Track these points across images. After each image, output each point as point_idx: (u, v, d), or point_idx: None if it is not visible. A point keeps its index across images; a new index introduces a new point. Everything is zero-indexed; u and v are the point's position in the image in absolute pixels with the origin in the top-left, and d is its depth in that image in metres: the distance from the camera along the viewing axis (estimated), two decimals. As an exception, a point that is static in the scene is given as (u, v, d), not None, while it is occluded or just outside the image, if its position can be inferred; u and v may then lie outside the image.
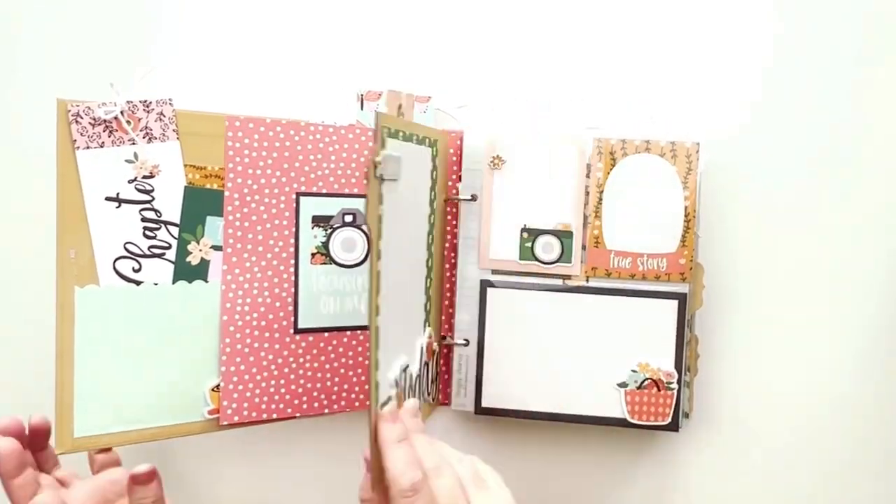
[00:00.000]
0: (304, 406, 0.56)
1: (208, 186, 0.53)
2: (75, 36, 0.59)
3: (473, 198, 0.58)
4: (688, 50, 0.60)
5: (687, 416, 0.59)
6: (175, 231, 0.53)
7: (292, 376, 0.56)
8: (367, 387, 0.57)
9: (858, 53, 0.59)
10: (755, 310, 0.61)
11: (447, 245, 0.60)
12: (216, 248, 0.54)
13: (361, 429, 0.61)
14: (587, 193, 0.58)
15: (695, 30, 0.60)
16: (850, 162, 0.60)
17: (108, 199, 0.51)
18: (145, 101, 0.51)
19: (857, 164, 0.60)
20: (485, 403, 0.58)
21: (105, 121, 0.50)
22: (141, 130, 0.51)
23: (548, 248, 0.58)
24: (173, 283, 0.53)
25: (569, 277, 0.58)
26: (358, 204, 0.57)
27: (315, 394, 0.57)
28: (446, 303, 0.60)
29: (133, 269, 0.52)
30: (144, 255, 0.52)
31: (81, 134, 0.49)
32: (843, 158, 0.60)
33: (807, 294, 0.60)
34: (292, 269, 0.56)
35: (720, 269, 0.60)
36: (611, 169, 0.57)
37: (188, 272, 0.53)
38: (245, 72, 0.60)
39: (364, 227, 0.57)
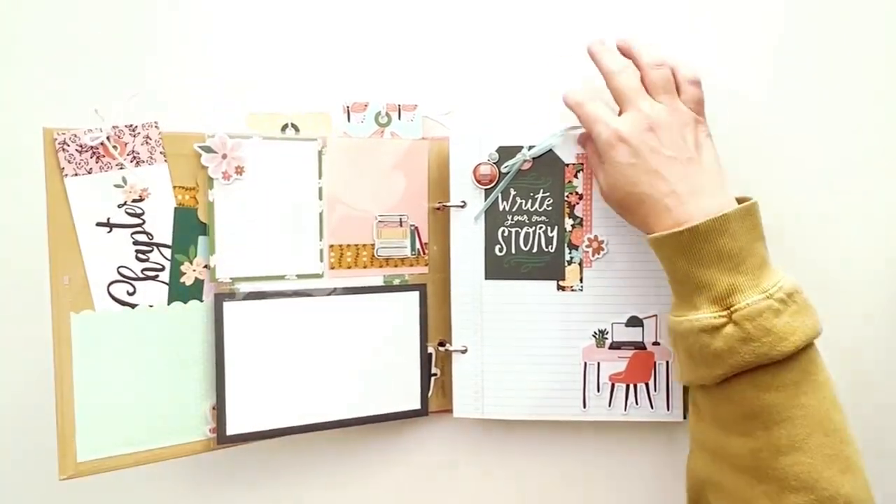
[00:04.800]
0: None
1: (198, 206, 0.54)
2: (57, 63, 0.60)
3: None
4: (673, 36, 0.60)
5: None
6: (167, 252, 0.53)
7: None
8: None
9: (857, 34, 0.59)
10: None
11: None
12: (209, 267, 0.54)
13: (358, 444, 0.61)
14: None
15: (683, 12, 0.60)
16: (848, 143, 0.59)
17: (98, 224, 0.51)
18: (131, 126, 0.51)
19: (855, 146, 0.59)
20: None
21: (92, 147, 0.50)
22: (128, 155, 0.51)
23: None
24: (168, 304, 0.53)
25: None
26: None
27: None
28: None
29: (128, 292, 0.52)
30: (138, 278, 0.52)
31: (69, 161, 0.50)
32: (839, 141, 0.59)
33: (806, 280, 0.60)
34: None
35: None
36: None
37: (183, 293, 0.54)
38: (230, 86, 0.60)
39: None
